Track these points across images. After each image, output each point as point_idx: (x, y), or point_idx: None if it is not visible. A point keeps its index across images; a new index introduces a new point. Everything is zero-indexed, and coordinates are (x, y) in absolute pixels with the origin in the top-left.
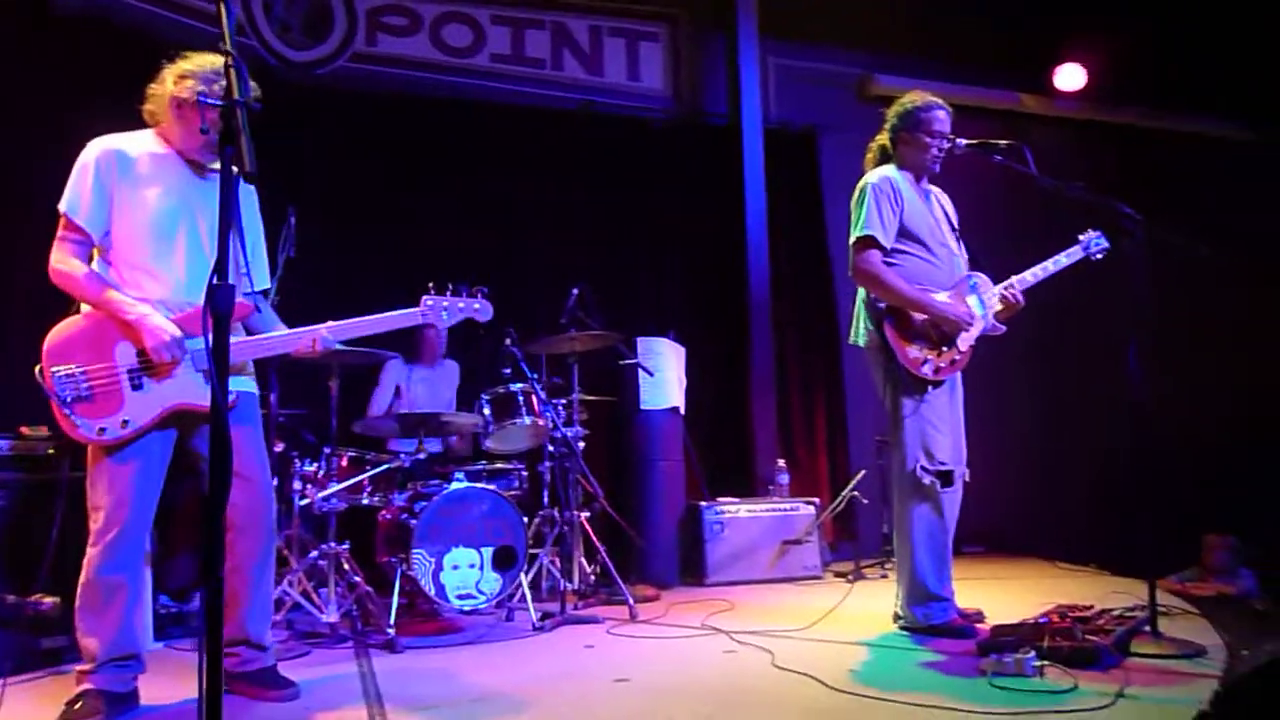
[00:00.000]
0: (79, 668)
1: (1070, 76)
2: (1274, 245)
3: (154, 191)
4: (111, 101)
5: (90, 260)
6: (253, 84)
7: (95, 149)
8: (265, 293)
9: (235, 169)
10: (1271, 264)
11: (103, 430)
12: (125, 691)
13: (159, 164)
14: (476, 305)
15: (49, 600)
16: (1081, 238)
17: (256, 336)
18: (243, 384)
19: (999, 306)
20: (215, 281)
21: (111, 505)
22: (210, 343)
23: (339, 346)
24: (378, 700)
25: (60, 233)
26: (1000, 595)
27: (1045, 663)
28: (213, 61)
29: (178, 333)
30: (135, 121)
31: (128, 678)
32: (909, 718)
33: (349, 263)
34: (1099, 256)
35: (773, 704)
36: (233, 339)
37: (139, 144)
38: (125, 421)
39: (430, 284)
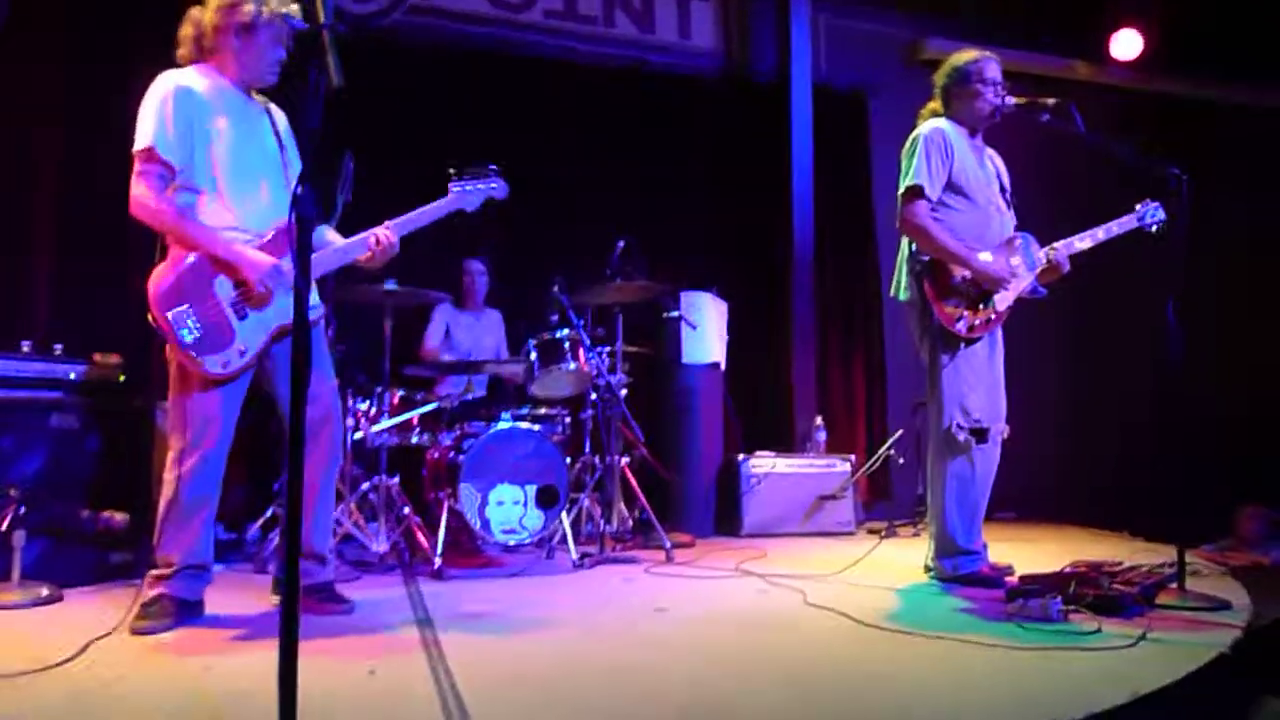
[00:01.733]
0: (154, 573)
1: (1126, 43)
2: None
3: (225, 122)
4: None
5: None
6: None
7: (168, 82)
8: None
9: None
10: None
11: (226, 363)
12: (194, 600)
13: (223, 95)
14: (494, 185)
15: (120, 517)
16: (1139, 207)
17: (329, 248)
18: (317, 311)
19: (1044, 266)
20: (299, 188)
21: (200, 426)
22: (296, 249)
23: (393, 286)
24: (425, 615)
25: (140, 166)
26: (1030, 554)
27: (1071, 608)
28: None
29: (274, 260)
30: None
31: (198, 587)
32: (936, 650)
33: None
34: (1155, 229)
35: (804, 635)
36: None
37: (197, 79)
38: (242, 351)
39: (450, 170)
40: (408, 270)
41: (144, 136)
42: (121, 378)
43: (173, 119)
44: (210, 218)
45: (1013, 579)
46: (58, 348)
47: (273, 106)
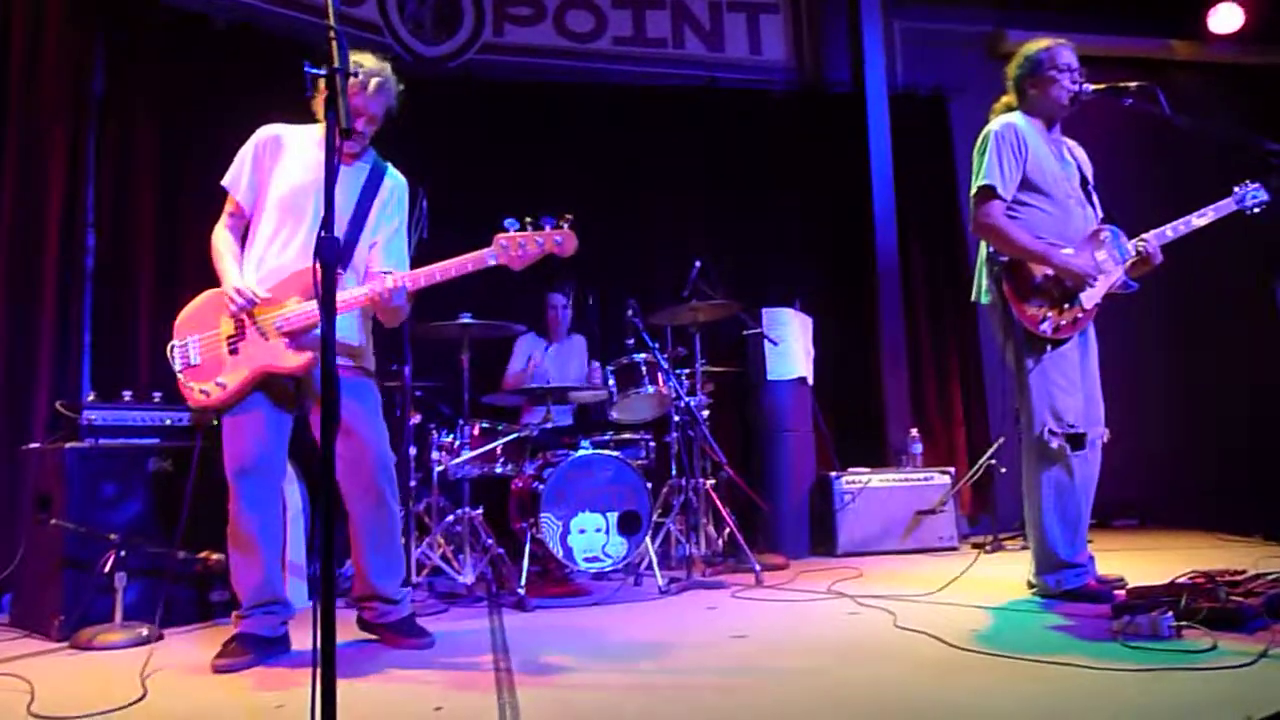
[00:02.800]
0: (236, 613)
1: (1226, 17)
2: None
3: (294, 170)
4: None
5: (243, 235)
6: (379, 68)
7: (261, 133)
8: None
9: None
10: None
11: (204, 392)
12: (274, 636)
13: (306, 148)
14: (557, 239)
15: (216, 556)
16: (1237, 189)
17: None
18: (344, 364)
19: (1134, 259)
20: (323, 234)
21: (230, 463)
22: (319, 291)
23: (469, 319)
24: (504, 649)
25: (225, 207)
26: (1147, 564)
27: (1183, 623)
28: (355, 61)
29: (244, 287)
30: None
31: (275, 623)
32: (1030, 676)
33: (482, 243)
34: (1256, 210)
35: (889, 658)
36: (309, 304)
37: (301, 133)
38: (220, 384)
39: (504, 219)
40: (489, 302)
41: (225, 178)
42: (216, 420)
43: (248, 166)
44: (263, 257)
45: (1122, 593)
46: (156, 395)
47: (387, 171)
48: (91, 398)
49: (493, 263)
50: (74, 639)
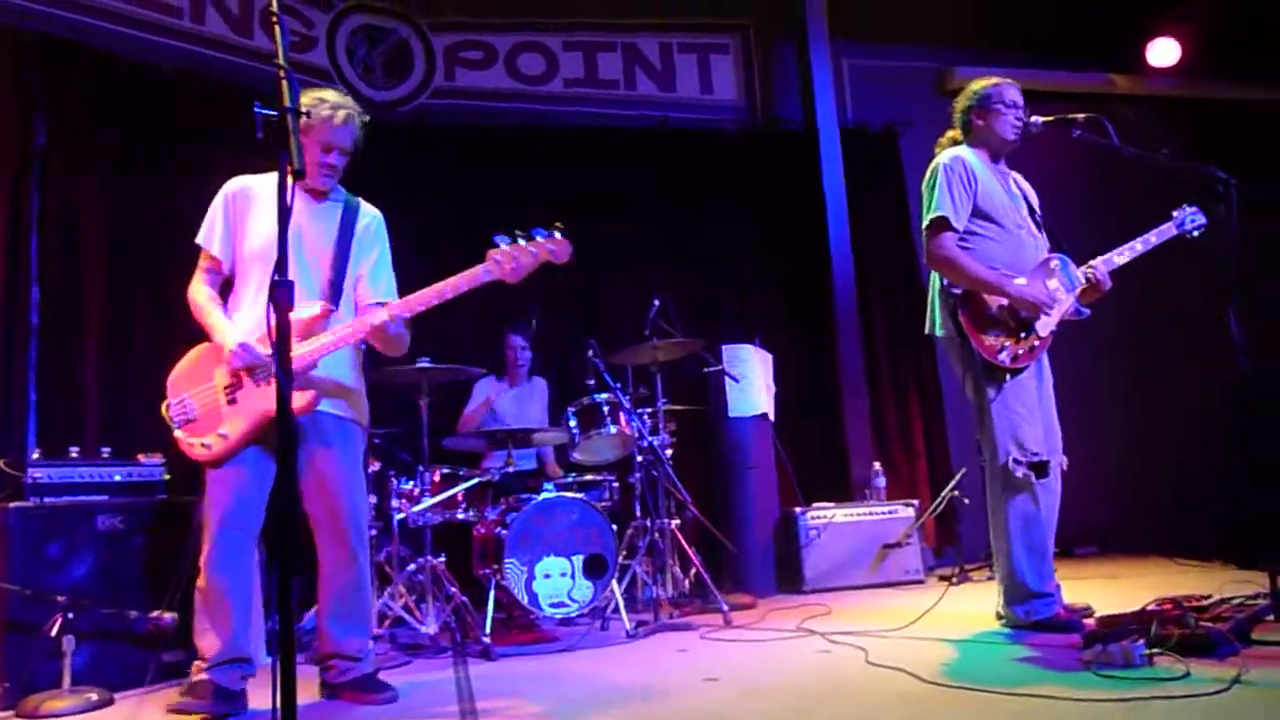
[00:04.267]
0: (196, 663)
1: (1164, 51)
2: None
3: (263, 220)
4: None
5: (222, 288)
6: (344, 100)
7: (228, 187)
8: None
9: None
10: None
11: (206, 445)
12: (235, 690)
13: (275, 197)
14: (551, 247)
15: (169, 616)
16: (1176, 214)
17: (323, 335)
18: (337, 406)
19: (1084, 285)
20: (276, 278)
21: (212, 514)
22: (275, 337)
23: (427, 364)
24: (470, 701)
25: (198, 263)
26: (1112, 592)
27: (1155, 651)
28: (316, 96)
29: (249, 344)
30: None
31: (237, 677)
32: (1008, 708)
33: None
34: (1196, 234)
35: (863, 697)
36: (305, 345)
37: (267, 182)
38: (222, 435)
39: (496, 233)
40: (449, 344)
41: (199, 235)
42: (166, 476)
43: (221, 221)
44: (246, 306)
45: (1091, 622)
46: (105, 451)
47: (361, 206)
48: (35, 455)
49: (486, 279)
50: (19, 707)
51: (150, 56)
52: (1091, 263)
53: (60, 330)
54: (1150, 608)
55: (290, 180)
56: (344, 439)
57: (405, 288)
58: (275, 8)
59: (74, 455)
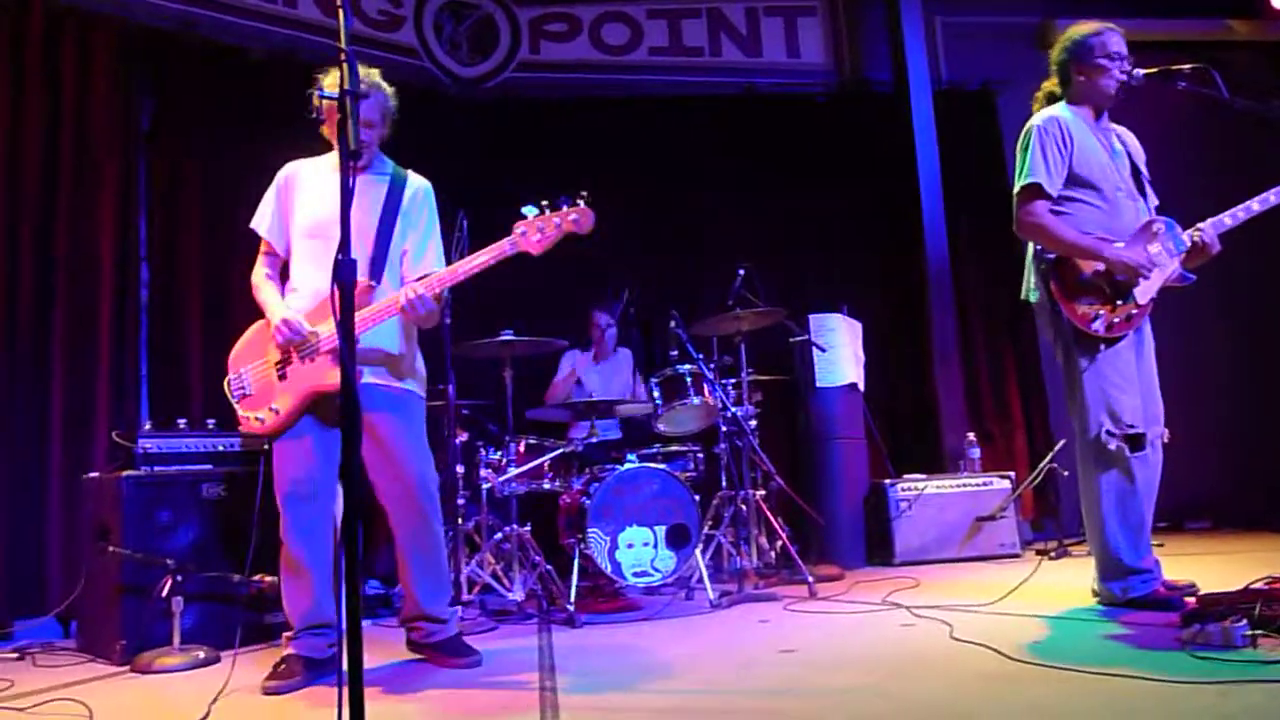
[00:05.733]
0: (285, 634)
1: None
2: None
3: (312, 201)
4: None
5: (282, 271)
6: (365, 74)
7: (280, 174)
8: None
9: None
10: None
11: (260, 419)
12: (323, 658)
13: (324, 175)
14: (573, 216)
15: (269, 579)
16: None
17: (361, 311)
18: (388, 376)
19: (1189, 249)
20: (340, 257)
21: (279, 487)
22: (338, 314)
23: (510, 335)
24: (550, 668)
25: (259, 248)
26: (1221, 569)
27: (1259, 632)
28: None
29: (291, 317)
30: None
31: (323, 645)
32: (1093, 689)
33: (523, 261)
34: None
35: (944, 674)
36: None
37: (315, 164)
38: (274, 409)
39: (522, 208)
40: (532, 316)
41: (253, 221)
42: (266, 446)
43: (272, 209)
44: (299, 286)
45: (1193, 600)
46: (210, 422)
47: (409, 178)
48: (147, 426)
49: (511, 251)
50: (134, 663)
51: (245, 40)
52: (1199, 225)
53: (168, 307)
54: (1257, 586)
55: (350, 161)
56: (398, 405)
57: None
58: None
59: (181, 426)
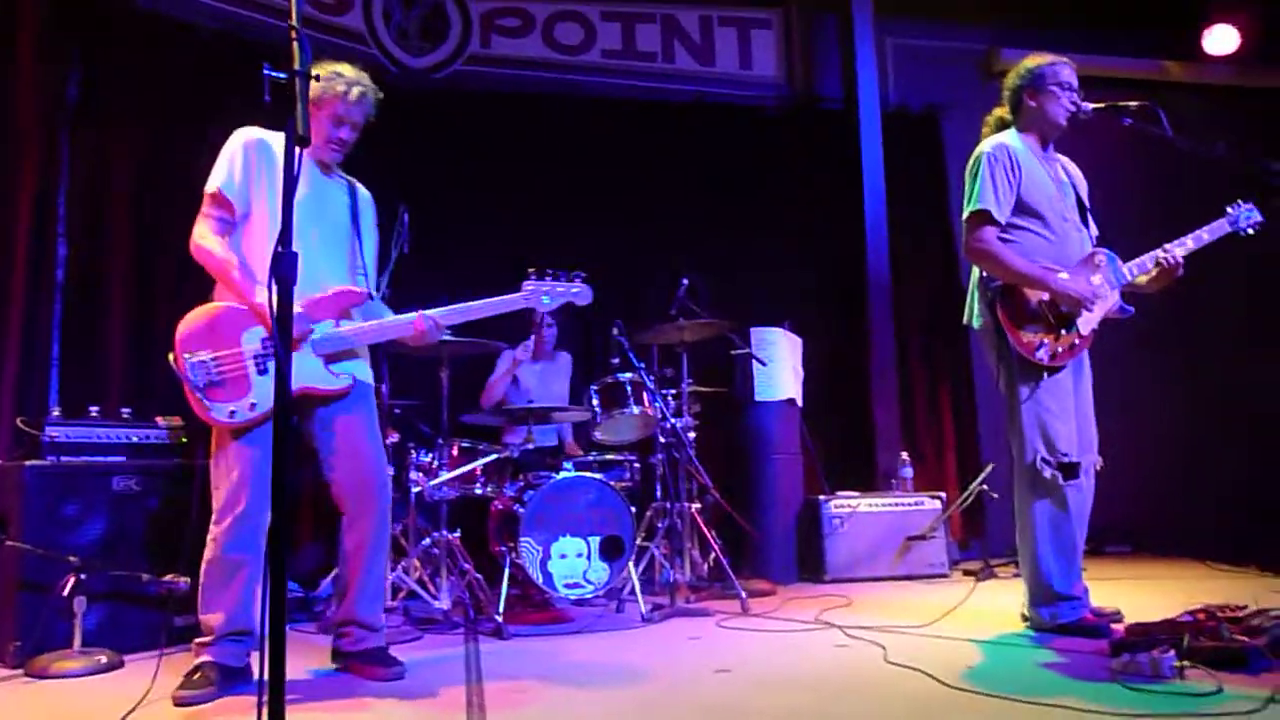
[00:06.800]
0: (198, 641)
1: (1221, 39)
2: None
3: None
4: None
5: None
6: (359, 76)
7: (245, 135)
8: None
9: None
10: None
11: (233, 413)
12: (239, 666)
13: (308, 164)
14: (575, 289)
15: (183, 580)
16: (1230, 210)
17: (370, 322)
18: (359, 370)
19: (1138, 278)
20: (279, 249)
21: (233, 486)
22: (274, 307)
23: (449, 336)
24: (478, 679)
25: (205, 209)
26: (1143, 596)
27: (1186, 663)
28: (334, 70)
29: (303, 314)
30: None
31: (241, 653)
32: (1024, 716)
33: (464, 257)
34: (1250, 231)
35: (879, 698)
36: (348, 325)
37: (275, 138)
38: (253, 405)
39: (530, 269)
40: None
41: (213, 180)
42: (183, 439)
43: (241, 167)
44: (257, 271)
45: (1120, 627)
46: (125, 412)
47: (359, 187)
48: (55, 413)
49: (520, 306)
50: (29, 666)
51: (186, 14)
52: (1165, 246)
53: (86, 286)
54: (1183, 617)
55: (297, 148)
56: (366, 403)
57: (439, 252)
58: None
59: (93, 415)
